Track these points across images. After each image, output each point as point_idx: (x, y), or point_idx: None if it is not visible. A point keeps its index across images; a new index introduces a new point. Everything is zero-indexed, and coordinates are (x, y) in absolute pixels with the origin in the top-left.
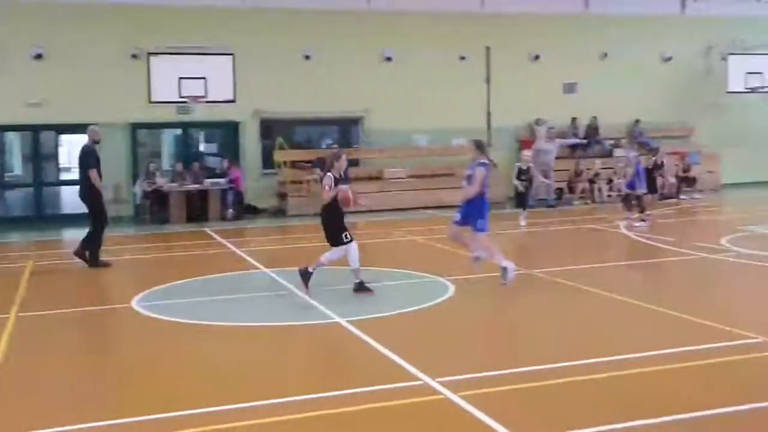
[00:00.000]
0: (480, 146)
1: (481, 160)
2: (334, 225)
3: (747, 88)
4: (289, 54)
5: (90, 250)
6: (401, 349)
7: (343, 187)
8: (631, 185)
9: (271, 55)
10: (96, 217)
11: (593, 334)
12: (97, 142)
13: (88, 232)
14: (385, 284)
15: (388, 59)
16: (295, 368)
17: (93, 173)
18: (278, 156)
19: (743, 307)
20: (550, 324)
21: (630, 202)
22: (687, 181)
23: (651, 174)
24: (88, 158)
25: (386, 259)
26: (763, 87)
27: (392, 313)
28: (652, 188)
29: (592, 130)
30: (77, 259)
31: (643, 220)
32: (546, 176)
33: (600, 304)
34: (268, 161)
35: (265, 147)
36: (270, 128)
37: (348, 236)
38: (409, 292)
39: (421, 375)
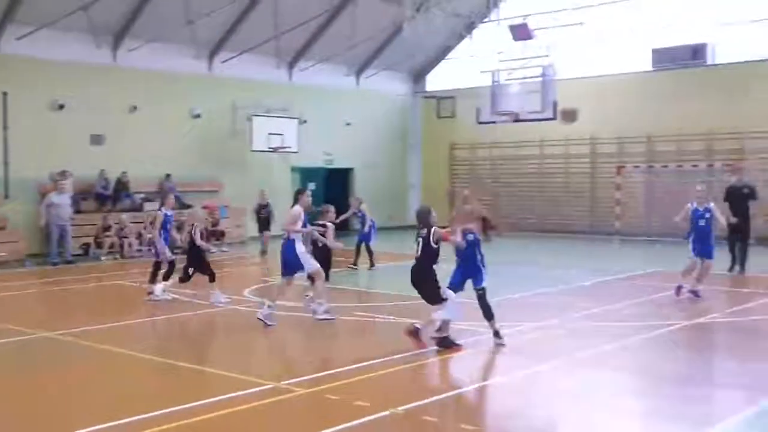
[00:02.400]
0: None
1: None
2: (429, 283)
3: (269, 148)
4: None
5: None
6: None
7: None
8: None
9: None
10: None
11: (118, 395)
12: None
13: None
14: None
15: None
16: None
17: None
18: None
19: (259, 356)
20: (74, 389)
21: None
22: (215, 234)
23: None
24: None
25: None
26: (282, 147)
27: None
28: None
29: (122, 184)
30: None
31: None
32: (63, 231)
33: (123, 363)
34: None
35: None
36: None
37: (445, 291)
38: None
39: None
